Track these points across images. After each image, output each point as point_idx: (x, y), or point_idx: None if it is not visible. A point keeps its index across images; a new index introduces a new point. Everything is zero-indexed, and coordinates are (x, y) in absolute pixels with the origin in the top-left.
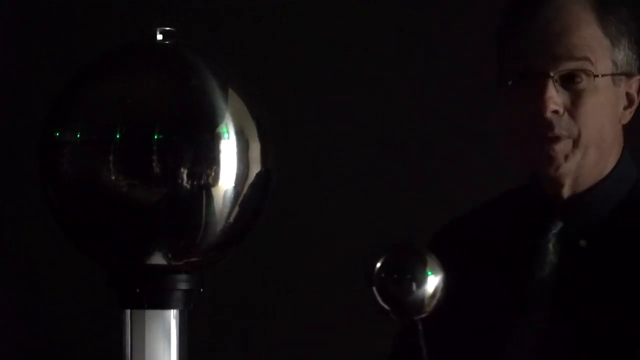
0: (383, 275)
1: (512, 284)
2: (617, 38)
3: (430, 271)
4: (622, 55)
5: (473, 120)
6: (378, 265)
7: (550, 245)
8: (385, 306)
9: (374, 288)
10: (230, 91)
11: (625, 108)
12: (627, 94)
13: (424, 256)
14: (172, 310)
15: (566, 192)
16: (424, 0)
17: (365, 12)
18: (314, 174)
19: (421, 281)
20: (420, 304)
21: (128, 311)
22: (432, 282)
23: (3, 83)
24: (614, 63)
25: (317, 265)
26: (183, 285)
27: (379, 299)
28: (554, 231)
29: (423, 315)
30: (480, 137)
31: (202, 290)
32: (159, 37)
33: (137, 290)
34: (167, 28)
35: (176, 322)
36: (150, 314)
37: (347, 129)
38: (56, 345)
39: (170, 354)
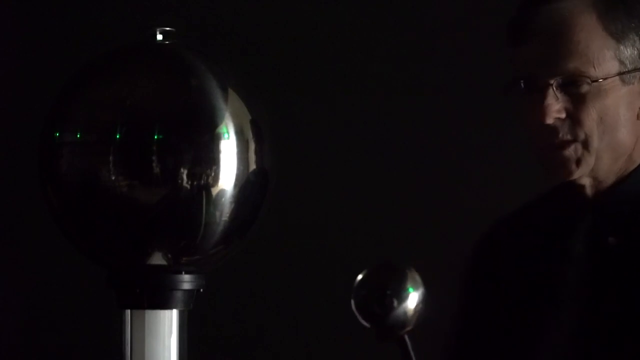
0: (363, 293)
1: (544, 284)
2: (624, 34)
3: (411, 287)
4: (632, 50)
5: (475, 122)
6: (357, 283)
7: (579, 244)
8: (366, 324)
9: (355, 307)
10: (230, 91)
11: None
12: None
13: (404, 272)
14: (172, 311)
15: (589, 191)
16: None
17: (366, 12)
18: (314, 174)
19: (402, 297)
20: (403, 319)
21: (128, 311)
22: (413, 297)
23: (3, 83)
24: (621, 62)
25: (317, 265)
26: (183, 286)
27: (359, 317)
28: (582, 229)
29: (409, 329)
30: (482, 139)
31: (201, 290)
32: (159, 37)
33: (137, 290)
34: (167, 28)
35: (176, 322)
36: (150, 314)
37: (347, 129)
38: (56, 345)
39: (170, 354)
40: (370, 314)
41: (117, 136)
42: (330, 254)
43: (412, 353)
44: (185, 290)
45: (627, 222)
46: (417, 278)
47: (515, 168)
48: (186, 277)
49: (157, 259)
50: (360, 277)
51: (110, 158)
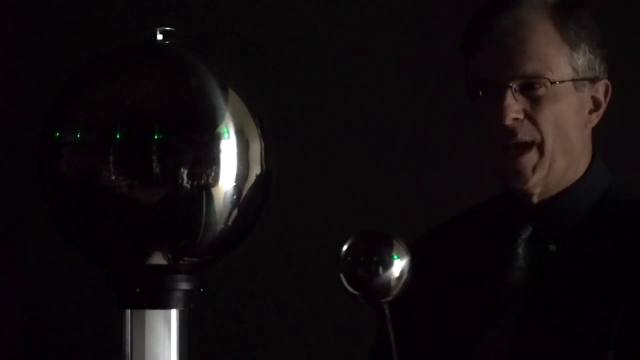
0: (349, 258)
1: (485, 288)
2: (576, 43)
3: (397, 254)
4: (583, 60)
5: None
6: (344, 249)
7: (520, 250)
8: (352, 290)
9: (341, 272)
10: (230, 91)
11: (591, 112)
12: (593, 98)
13: (390, 240)
14: (172, 310)
15: (536, 199)
16: (426, 0)
17: (366, 12)
18: (314, 174)
19: (388, 264)
20: (387, 286)
21: (128, 311)
22: (398, 265)
23: (3, 83)
24: (574, 69)
25: (317, 265)
26: (183, 285)
27: (345, 283)
28: (524, 236)
29: (390, 299)
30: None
31: (202, 290)
32: (159, 37)
33: (137, 290)
34: (167, 28)
35: (176, 322)
36: (151, 313)
37: (347, 129)
38: (56, 345)
39: (170, 354)
40: (354, 279)
41: (117, 136)
42: (330, 254)
43: (389, 324)
44: (185, 290)
45: (568, 230)
46: (404, 247)
47: None
48: (186, 277)
49: (157, 259)
50: (346, 243)
51: (111, 158)
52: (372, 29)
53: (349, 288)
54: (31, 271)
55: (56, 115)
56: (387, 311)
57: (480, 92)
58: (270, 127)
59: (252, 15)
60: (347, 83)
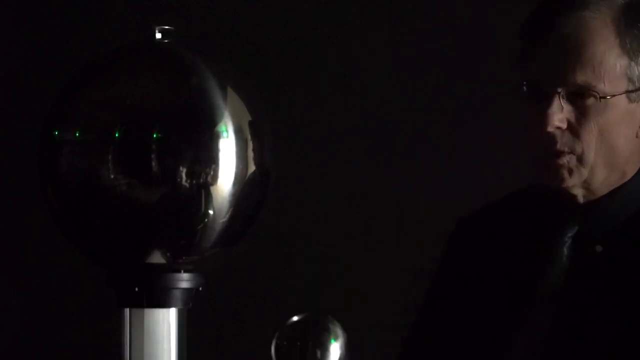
0: (285, 343)
1: (523, 284)
2: (637, 51)
3: (334, 338)
4: None
5: (476, 121)
6: (278, 336)
7: (565, 249)
8: None
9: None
10: (229, 90)
11: None
12: None
13: (325, 323)
14: (171, 309)
15: (581, 199)
16: (426, 0)
17: (366, 12)
18: (314, 174)
19: (325, 348)
20: None
21: (127, 310)
22: (336, 348)
23: (3, 83)
24: (630, 80)
25: (317, 265)
26: (182, 284)
27: None
28: (570, 234)
29: None
30: (484, 140)
31: (200, 289)
32: (158, 35)
33: (137, 289)
34: (167, 27)
35: (175, 321)
36: (150, 312)
37: (347, 129)
38: (56, 345)
39: (169, 353)
40: None
41: (117, 135)
42: (330, 254)
43: None
44: (184, 289)
45: (615, 232)
46: (339, 328)
47: (523, 169)
48: (185, 276)
49: (157, 258)
50: (279, 331)
51: (110, 157)
52: (372, 29)
53: None
54: (31, 271)
55: (56, 114)
56: None
57: (525, 89)
58: (270, 126)
59: (252, 15)
60: (347, 83)
